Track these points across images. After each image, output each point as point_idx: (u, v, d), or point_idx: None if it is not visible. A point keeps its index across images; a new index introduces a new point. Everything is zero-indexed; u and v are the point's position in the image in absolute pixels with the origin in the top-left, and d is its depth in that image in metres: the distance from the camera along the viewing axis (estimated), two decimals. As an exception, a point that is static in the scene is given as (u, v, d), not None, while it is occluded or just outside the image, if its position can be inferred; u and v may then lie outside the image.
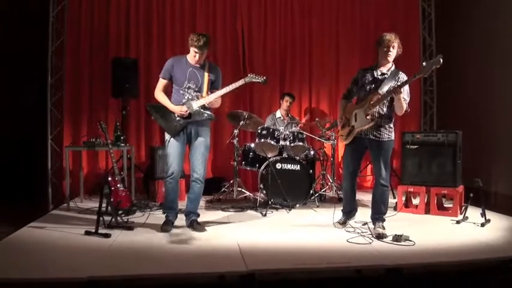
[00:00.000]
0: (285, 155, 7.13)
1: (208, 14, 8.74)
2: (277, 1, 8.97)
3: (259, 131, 7.24)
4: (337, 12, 9.14)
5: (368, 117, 5.25)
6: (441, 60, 4.80)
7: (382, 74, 5.34)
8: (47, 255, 4.52)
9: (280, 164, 7.00)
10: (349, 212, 5.79)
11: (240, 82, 5.52)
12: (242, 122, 7.44)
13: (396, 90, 5.01)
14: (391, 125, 5.38)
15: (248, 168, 7.58)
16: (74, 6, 8.11)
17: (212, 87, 5.58)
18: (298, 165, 7.03)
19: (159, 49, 8.41)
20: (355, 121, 5.39)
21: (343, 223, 5.77)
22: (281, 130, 7.24)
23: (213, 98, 5.46)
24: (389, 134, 5.35)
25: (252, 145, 7.40)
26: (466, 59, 8.43)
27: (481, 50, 8.10)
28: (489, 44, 7.88)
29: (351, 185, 5.68)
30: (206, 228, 5.55)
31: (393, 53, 5.29)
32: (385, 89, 5.20)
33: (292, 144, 7.16)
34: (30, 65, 7.97)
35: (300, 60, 9.08)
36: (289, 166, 7.03)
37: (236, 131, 7.56)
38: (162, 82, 5.59)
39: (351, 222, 5.83)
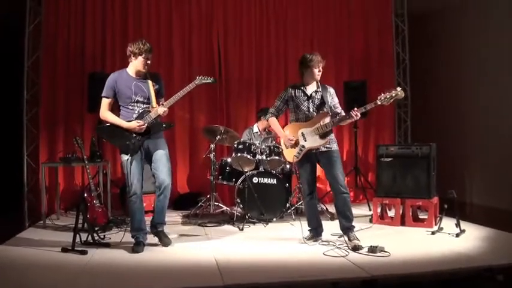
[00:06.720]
0: (261, 169, 7.15)
1: (184, 29, 8.77)
2: (253, 15, 9.03)
3: (235, 146, 7.24)
4: (311, 27, 9.24)
5: (322, 138, 5.43)
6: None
7: (316, 91, 5.63)
8: (24, 274, 4.49)
9: (256, 178, 7.01)
10: (316, 229, 5.78)
11: (192, 85, 5.42)
12: (218, 136, 7.44)
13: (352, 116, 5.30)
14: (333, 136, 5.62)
15: (225, 183, 7.54)
16: (50, 21, 8.09)
17: (158, 96, 5.46)
18: (275, 179, 7.06)
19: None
20: (305, 141, 5.51)
21: (310, 238, 5.76)
22: (257, 144, 7.27)
23: (170, 105, 5.35)
24: (336, 144, 5.58)
25: (229, 159, 7.39)
26: (439, 73, 8.60)
27: (453, 65, 8.25)
28: (461, 59, 8.04)
29: (312, 199, 5.73)
30: (183, 243, 5.49)
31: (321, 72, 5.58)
32: (327, 105, 5.52)
33: (268, 158, 7.19)
34: (5, 80, 7.91)
35: (276, 74, 9.13)
36: (265, 180, 7.05)
37: (212, 146, 7.56)
38: (106, 101, 5.37)
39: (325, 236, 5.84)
